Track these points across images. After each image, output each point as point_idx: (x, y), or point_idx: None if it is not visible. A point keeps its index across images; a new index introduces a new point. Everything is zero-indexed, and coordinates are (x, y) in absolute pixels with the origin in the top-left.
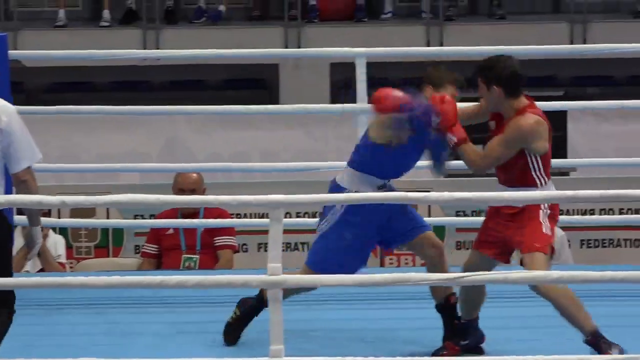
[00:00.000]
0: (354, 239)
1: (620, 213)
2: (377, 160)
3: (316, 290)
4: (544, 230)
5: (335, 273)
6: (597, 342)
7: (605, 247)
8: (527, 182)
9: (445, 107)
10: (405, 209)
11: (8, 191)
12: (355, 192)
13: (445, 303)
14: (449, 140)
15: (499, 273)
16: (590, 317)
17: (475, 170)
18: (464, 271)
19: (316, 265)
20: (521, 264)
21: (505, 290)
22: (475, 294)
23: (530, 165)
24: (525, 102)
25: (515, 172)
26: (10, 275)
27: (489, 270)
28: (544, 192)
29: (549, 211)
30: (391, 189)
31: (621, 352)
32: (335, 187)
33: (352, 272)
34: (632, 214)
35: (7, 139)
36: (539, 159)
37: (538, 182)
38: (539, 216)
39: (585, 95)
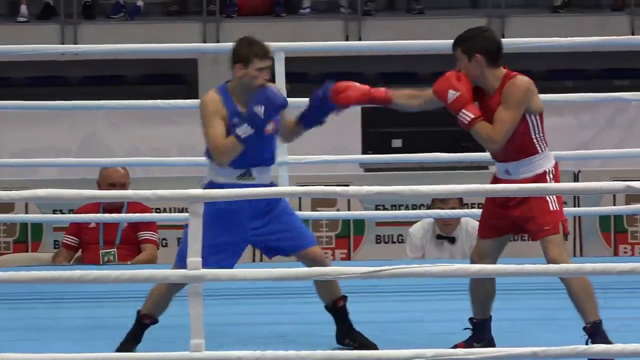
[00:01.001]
0: (216, 236)
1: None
2: None
3: (237, 284)
4: (551, 208)
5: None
6: (594, 333)
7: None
8: (528, 150)
9: (460, 84)
10: (289, 213)
11: None
12: (212, 182)
13: (332, 305)
14: (462, 119)
15: (418, 266)
16: (597, 308)
17: (493, 147)
18: (473, 261)
19: (177, 262)
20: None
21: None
22: (481, 292)
23: (531, 128)
24: (504, 70)
25: (516, 140)
26: None
27: (501, 251)
28: (448, 187)
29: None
30: (254, 178)
31: None
32: (203, 182)
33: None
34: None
35: None
36: (538, 119)
37: (538, 147)
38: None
39: None
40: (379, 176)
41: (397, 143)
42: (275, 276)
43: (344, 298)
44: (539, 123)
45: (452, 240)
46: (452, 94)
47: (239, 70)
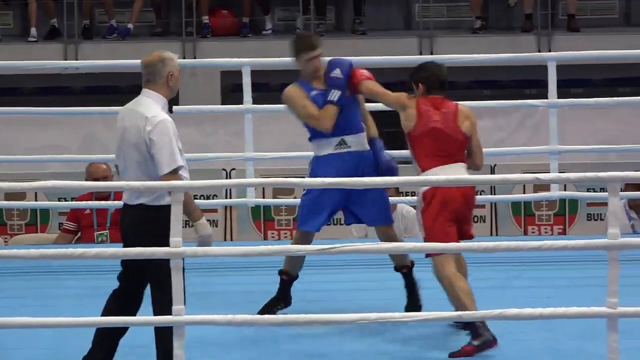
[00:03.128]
0: (317, 195)
1: None
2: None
3: (214, 259)
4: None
5: (304, 224)
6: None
7: None
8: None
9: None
10: (367, 192)
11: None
12: (316, 156)
13: (398, 269)
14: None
15: (362, 245)
16: (475, 303)
17: None
18: None
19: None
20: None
21: None
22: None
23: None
24: (438, 99)
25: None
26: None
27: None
28: (386, 178)
29: None
30: (350, 146)
31: (491, 338)
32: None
33: (316, 224)
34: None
35: (151, 147)
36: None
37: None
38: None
39: None
40: None
41: None
42: (243, 252)
43: (407, 267)
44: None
45: None
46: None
47: (295, 62)
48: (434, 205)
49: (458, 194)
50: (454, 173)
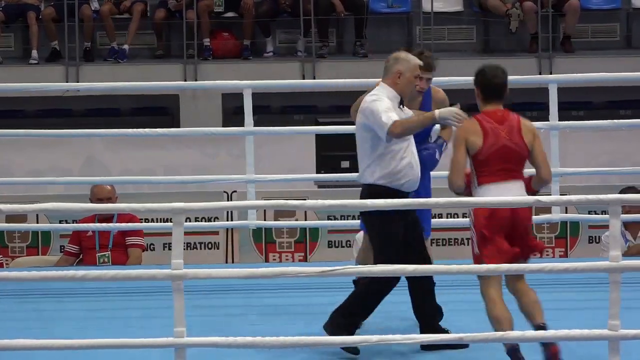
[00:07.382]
0: None
1: (463, 217)
2: None
3: (215, 281)
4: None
5: None
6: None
7: (451, 245)
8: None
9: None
10: None
11: None
12: None
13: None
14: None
15: (362, 267)
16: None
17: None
18: None
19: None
20: None
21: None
22: None
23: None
24: (491, 109)
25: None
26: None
27: None
28: (387, 201)
29: None
30: None
31: None
32: None
33: None
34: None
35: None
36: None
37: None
38: None
39: None
40: (330, 192)
41: (345, 164)
42: (245, 274)
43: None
44: (472, 163)
45: None
46: None
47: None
48: (481, 221)
49: (507, 214)
50: (510, 190)
